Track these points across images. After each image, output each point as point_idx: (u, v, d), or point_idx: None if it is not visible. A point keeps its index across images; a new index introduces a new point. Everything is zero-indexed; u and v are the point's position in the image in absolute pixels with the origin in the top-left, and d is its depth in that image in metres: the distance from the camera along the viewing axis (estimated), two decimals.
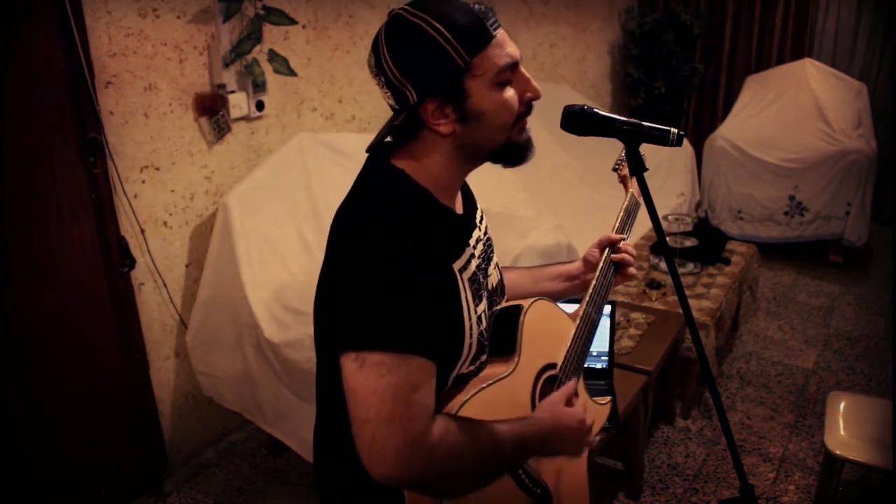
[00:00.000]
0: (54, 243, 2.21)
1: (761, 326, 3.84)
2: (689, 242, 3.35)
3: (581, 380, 1.30)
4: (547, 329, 1.22)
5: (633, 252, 1.41)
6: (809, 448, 2.82)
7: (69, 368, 2.30)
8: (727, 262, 3.45)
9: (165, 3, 2.40)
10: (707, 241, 3.53)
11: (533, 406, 1.16)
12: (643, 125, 1.11)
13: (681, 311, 1.34)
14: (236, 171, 2.74)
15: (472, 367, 1.12)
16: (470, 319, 1.08)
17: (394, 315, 0.95)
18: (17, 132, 2.07)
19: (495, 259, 1.24)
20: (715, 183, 4.79)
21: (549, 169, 4.00)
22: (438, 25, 0.98)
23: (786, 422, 3.00)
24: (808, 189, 4.49)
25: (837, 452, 2.09)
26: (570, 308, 1.30)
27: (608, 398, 1.41)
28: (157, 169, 2.48)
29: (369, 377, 0.94)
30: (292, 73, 2.74)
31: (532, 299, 1.20)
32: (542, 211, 3.36)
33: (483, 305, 1.13)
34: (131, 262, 2.42)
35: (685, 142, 4.30)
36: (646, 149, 1.16)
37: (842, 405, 2.25)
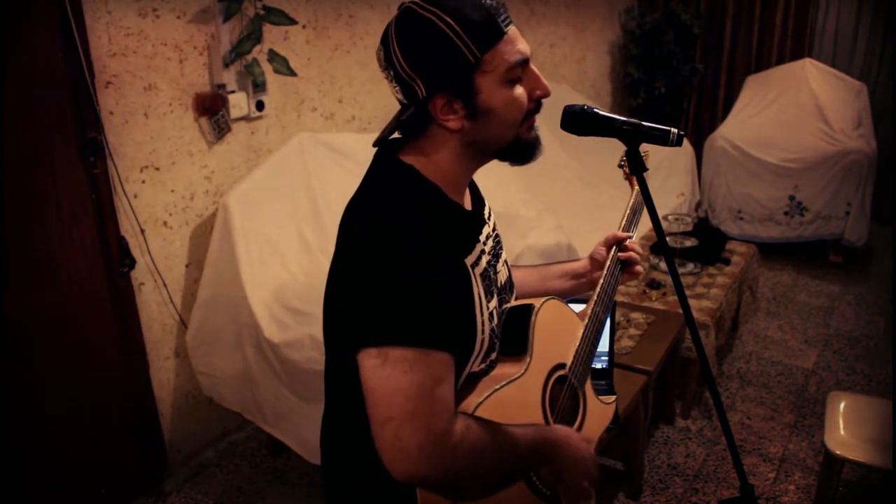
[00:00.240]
0: (54, 243, 2.21)
1: (761, 326, 3.83)
2: (689, 242, 3.35)
3: (588, 379, 1.30)
4: (558, 329, 1.22)
5: (640, 250, 1.41)
6: (809, 448, 2.82)
7: (69, 368, 2.30)
8: (727, 262, 3.45)
9: (165, 3, 2.40)
10: (707, 241, 3.53)
11: (543, 407, 1.16)
12: (643, 125, 1.11)
13: (681, 311, 1.34)
14: (236, 171, 2.74)
15: (482, 365, 1.12)
16: (482, 315, 1.08)
17: (414, 310, 0.95)
18: (17, 132, 2.07)
19: (504, 256, 1.24)
20: (715, 183, 4.79)
21: (549, 169, 4.00)
22: (450, 20, 0.97)
23: (786, 422, 3.00)
24: (808, 189, 4.49)
25: (837, 452, 2.09)
26: (576, 307, 1.30)
27: (613, 397, 1.42)
28: (157, 169, 2.48)
29: (392, 374, 0.93)
30: (292, 73, 2.74)
31: (544, 299, 1.19)
32: (542, 211, 3.36)
33: (494, 302, 1.13)
34: (131, 262, 2.42)
35: (685, 142, 4.31)
36: (646, 149, 1.16)
37: (842, 405, 2.25)
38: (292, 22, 2.67)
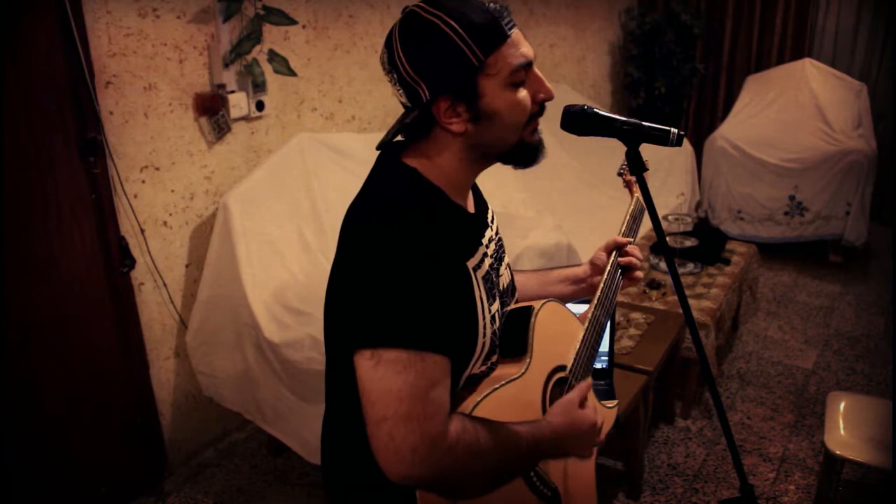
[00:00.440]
0: (54, 243, 2.21)
1: (761, 326, 3.84)
2: (689, 242, 3.35)
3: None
4: (557, 331, 1.22)
5: (640, 255, 1.42)
6: (809, 448, 2.82)
7: (69, 368, 2.30)
8: (727, 262, 3.45)
9: (165, 3, 2.40)
10: (707, 241, 3.53)
11: (543, 407, 1.16)
12: (643, 125, 1.11)
13: (681, 311, 1.34)
14: (236, 171, 2.74)
15: (483, 368, 1.12)
16: (484, 318, 1.08)
17: (410, 312, 0.95)
18: (17, 132, 2.07)
19: (507, 259, 1.24)
20: (715, 183, 4.79)
21: (549, 169, 3.99)
22: (453, 23, 0.97)
23: (786, 422, 3.00)
24: (808, 189, 4.50)
25: (837, 452, 2.09)
26: (578, 309, 1.31)
27: (615, 402, 1.42)
28: (157, 169, 2.48)
29: (385, 375, 0.93)
30: (292, 73, 2.74)
31: (543, 301, 1.20)
32: (542, 211, 3.36)
33: (496, 305, 1.13)
34: (131, 262, 2.42)
35: (685, 142, 4.32)
36: (646, 149, 1.16)
37: (842, 405, 2.25)
38: (292, 22, 2.67)
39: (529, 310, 1.17)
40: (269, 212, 2.62)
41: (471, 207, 1.15)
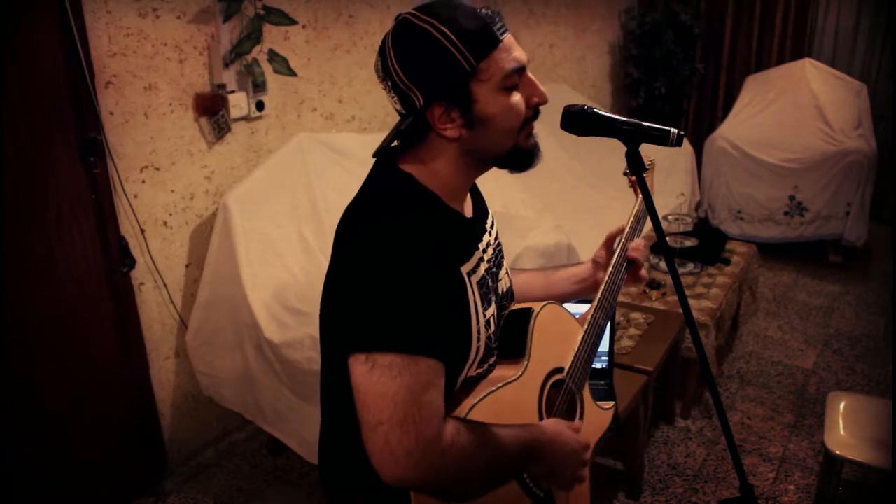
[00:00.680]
0: (54, 243, 2.21)
1: (761, 326, 3.83)
2: (689, 242, 3.35)
3: (587, 384, 1.30)
4: (556, 333, 1.23)
5: (644, 250, 1.42)
6: (809, 448, 2.82)
7: (69, 368, 2.30)
8: (727, 262, 3.45)
9: (165, 3, 2.40)
10: (707, 241, 3.53)
11: (539, 409, 1.17)
12: (643, 125, 1.11)
13: (681, 311, 1.34)
14: (236, 171, 2.74)
15: (480, 371, 1.12)
16: (478, 323, 1.08)
17: (403, 316, 0.95)
18: (17, 132, 2.07)
19: (506, 264, 1.24)
20: (715, 183, 4.79)
21: (549, 169, 4.00)
22: (445, 30, 0.98)
23: (786, 422, 3.00)
24: (808, 189, 4.50)
25: (837, 452, 2.09)
26: (578, 309, 1.31)
27: (612, 403, 1.42)
28: (157, 169, 2.48)
29: (380, 379, 0.94)
30: (292, 73, 2.74)
31: (542, 303, 1.20)
32: (542, 211, 3.36)
33: (492, 309, 1.13)
34: (131, 262, 2.42)
35: (685, 142, 4.31)
36: (646, 149, 1.16)
37: (842, 405, 2.25)
38: (292, 22, 2.67)
39: (529, 312, 1.18)
40: (269, 212, 2.62)
41: (468, 212, 1.15)
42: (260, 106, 2.73)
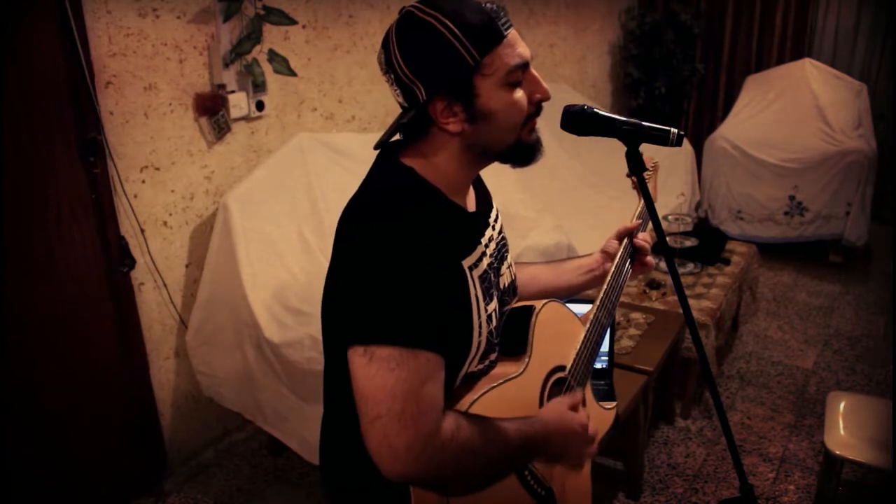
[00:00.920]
0: (54, 243, 2.21)
1: (761, 326, 3.83)
2: (689, 242, 3.35)
3: (588, 384, 1.30)
4: (558, 331, 1.22)
5: (650, 240, 1.42)
6: (809, 448, 2.82)
7: (69, 368, 2.30)
8: (727, 262, 3.45)
9: (165, 3, 2.40)
10: (707, 241, 3.53)
11: (540, 407, 1.16)
12: (643, 125, 1.11)
13: (681, 311, 1.34)
14: (236, 171, 2.74)
15: (480, 366, 1.12)
16: (479, 317, 1.08)
17: (402, 309, 0.95)
18: (17, 132, 2.07)
19: (509, 259, 1.24)
20: (715, 183, 4.79)
21: (549, 169, 4.00)
22: (450, 23, 0.98)
23: (786, 422, 3.00)
24: (808, 189, 4.50)
25: (837, 452, 2.09)
26: (579, 309, 1.31)
27: (614, 403, 1.42)
28: (157, 169, 2.48)
29: (378, 372, 0.94)
30: (292, 73, 2.74)
31: (544, 301, 1.20)
32: (542, 211, 3.36)
33: (494, 304, 1.13)
34: (131, 262, 2.42)
35: (685, 142, 4.31)
36: (648, 150, 1.16)
37: (842, 405, 2.25)
38: (292, 22, 2.67)
39: (530, 309, 1.18)
40: (269, 212, 2.62)
41: (471, 206, 1.15)
42: (260, 106, 2.73)
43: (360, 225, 1.02)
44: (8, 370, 2.13)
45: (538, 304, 1.18)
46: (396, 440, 0.93)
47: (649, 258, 1.41)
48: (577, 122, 1.12)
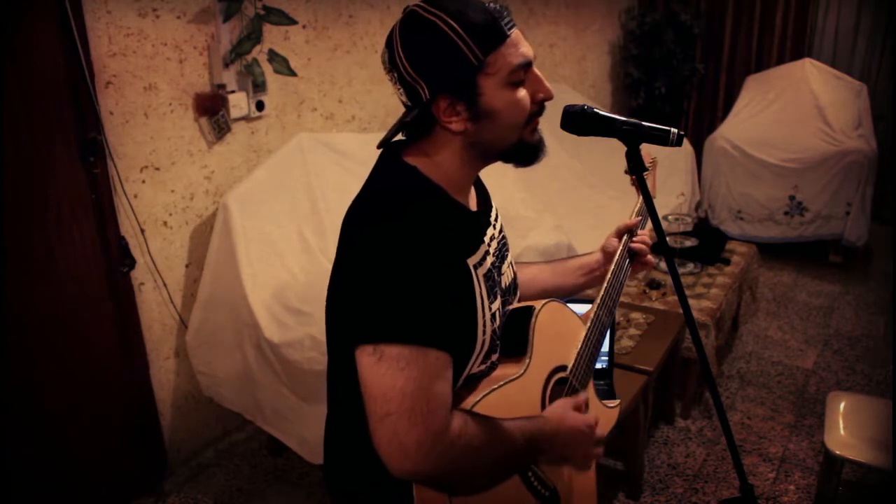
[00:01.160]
0: (54, 243, 2.21)
1: (761, 326, 3.83)
2: (689, 242, 3.35)
3: (591, 383, 1.30)
4: (558, 331, 1.22)
5: (649, 241, 1.42)
6: (809, 448, 2.82)
7: (69, 368, 2.30)
8: (727, 262, 3.45)
9: (165, 3, 2.40)
10: (707, 241, 3.53)
11: (543, 408, 1.16)
12: (643, 125, 1.11)
13: (681, 311, 1.34)
14: (236, 171, 2.74)
15: (483, 367, 1.12)
16: (484, 316, 1.08)
17: (411, 308, 0.95)
18: (17, 132, 2.07)
19: (510, 258, 1.24)
20: (715, 183, 4.79)
21: (549, 169, 4.00)
22: (453, 23, 0.98)
23: (786, 422, 3.00)
24: (808, 189, 4.50)
25: (837, 452, 2.09)
26: (580, 309, 1.31)
27: (617, 401, 1.42)
28: (157, 169, 2.48)
29: (388, 371, 0.94)
30: (292, 73, 2.74)
31: (544, 301, 1.20)
32: (542, 211, 3.36)
33: (497, 303, 1.13)
34: (131, 262, 2.42)
35: (685, 142, 4.31)
36: (647, 147, 1.16)
37: (842, 405, 2.25)
38: (292, 22, 2.67)
39: (530, 310, 1.18)
40: (269, 212, 2.62)
41: (473, 205, 1.15)
42: (260, 106, 2.73)
43: (365, 225, 1.02)
44: (8, 370, 2.13)
45: (538, 304, 1.18)
46: (406, 438, 0.93)
47: (649, 257, 1.41)
48: (577, 122, 1.12)
